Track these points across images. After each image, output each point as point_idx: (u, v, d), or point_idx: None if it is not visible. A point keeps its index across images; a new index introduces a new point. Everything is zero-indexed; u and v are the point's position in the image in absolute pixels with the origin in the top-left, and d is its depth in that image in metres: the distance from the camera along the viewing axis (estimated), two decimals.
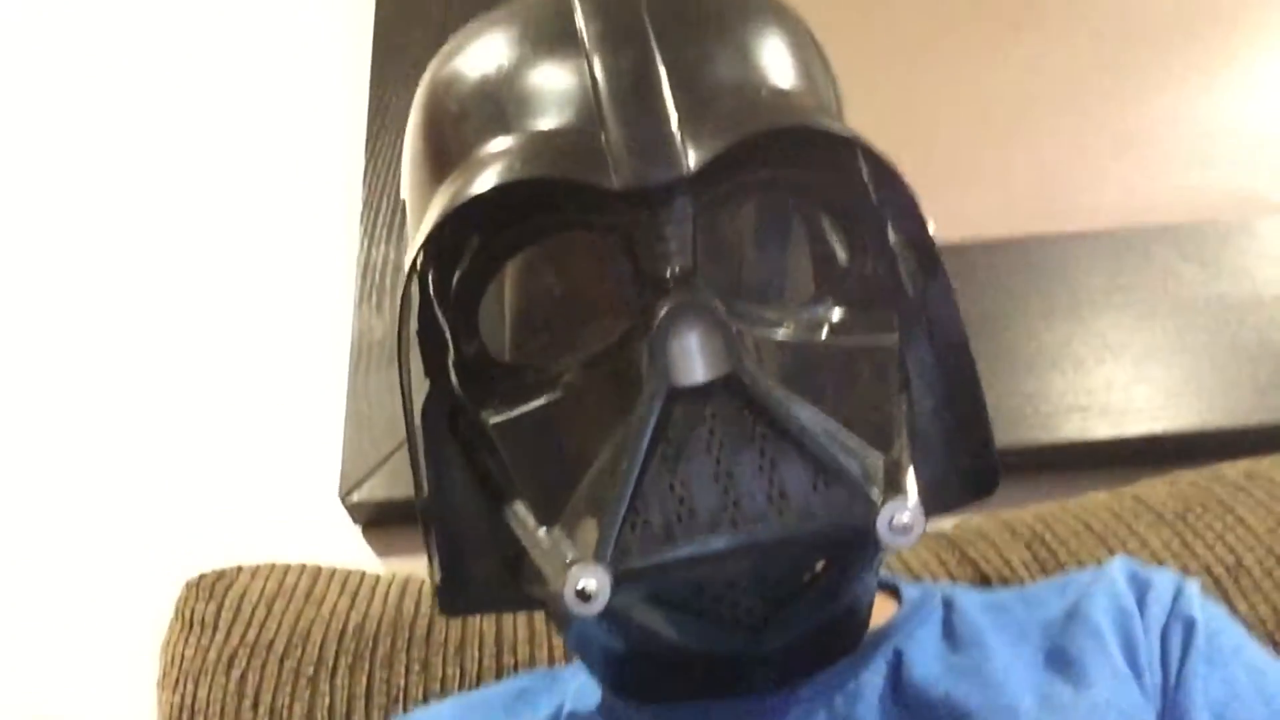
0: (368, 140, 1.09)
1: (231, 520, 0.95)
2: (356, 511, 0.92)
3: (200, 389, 1.01)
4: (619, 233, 0.48)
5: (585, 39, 0.49)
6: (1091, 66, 1.14)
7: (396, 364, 0.52)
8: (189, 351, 1.03)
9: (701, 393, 0.44)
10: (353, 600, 0.77)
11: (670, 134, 0.46)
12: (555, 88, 0.49)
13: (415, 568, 0.85)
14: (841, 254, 0.51)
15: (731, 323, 0.45)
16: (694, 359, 0.44)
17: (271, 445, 0.98)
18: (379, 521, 0.93)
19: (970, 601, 0.58)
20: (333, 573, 0.81)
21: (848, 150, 0.50)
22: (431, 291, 0.52)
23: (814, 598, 0.48)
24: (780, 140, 0.48)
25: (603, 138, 0.47)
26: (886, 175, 0.49)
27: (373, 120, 1.10)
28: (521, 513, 0.48)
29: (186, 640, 0.75)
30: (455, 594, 0.53)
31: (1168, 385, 0.93)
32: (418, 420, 0.52)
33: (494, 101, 0.50)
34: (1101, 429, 0.91)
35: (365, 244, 1.03)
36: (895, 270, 0.52)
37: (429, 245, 0.49)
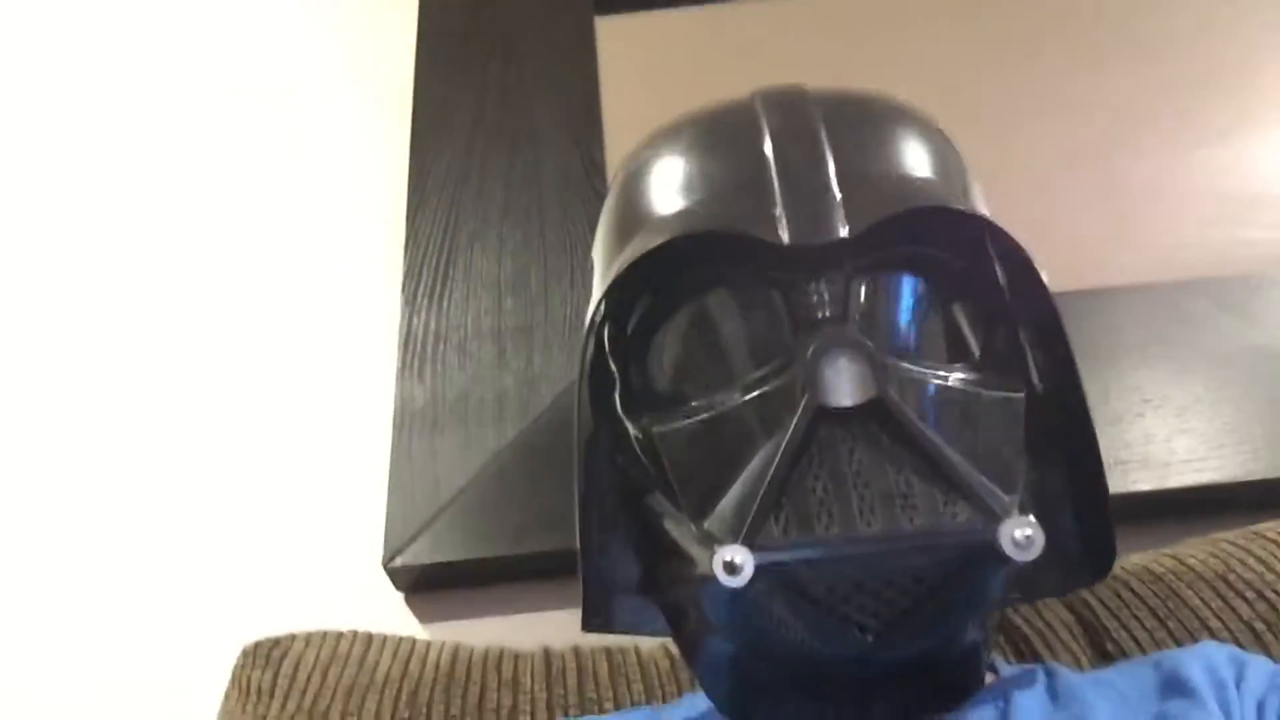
0: (408, 209, 1.11)
1: (277, 588, 0.96)
2: (398, 577, 0.93)
3: (244, 457, 1.03)
4: (781, 286, 0.55)
5: (765, 131, 0.58)
6: (1126, 123, 1.15)
7: (575, 409, 0.59)
8: (234, 422, 1.05)
9: (848, 415, 0.51)
10: (405, 668, 0.77)
11: (834, 208, 0.54)
12: (736, 167, 0.58)
13: (457, 633, 0.86)
14: (972, 328, 0.57)
15: (878, 357, 0.51)
16: (843, 383, 0.51)
17: (314, 512, 1.00)
18: (420, 587, 0.94)
19: (1069, 673, 0.61)
20: (384, 640, 0.81)
21: (979, 232, 0.57)
22: (606, 341, 0.60)
23: (933, 611, 0.50)
24: (923, 221, 0.55)
25: (776, 210, 0.55)
26: (1015, 255, 0.56)
27: (413, 190, 1.12)
28: (674, 514, 0.54)
29: (244, 708, 0.75)
30: (597, 614, 0.60)
31: (1208, 437, 0.93)
32: (581, 455, 0.58)
33: (680, 176, 0.59)
34: (1144, 482, 0.91)
35: (407, 313, 1.04)
36: (1020, 346, 0.58)
37: (610, 295, 0.57)
